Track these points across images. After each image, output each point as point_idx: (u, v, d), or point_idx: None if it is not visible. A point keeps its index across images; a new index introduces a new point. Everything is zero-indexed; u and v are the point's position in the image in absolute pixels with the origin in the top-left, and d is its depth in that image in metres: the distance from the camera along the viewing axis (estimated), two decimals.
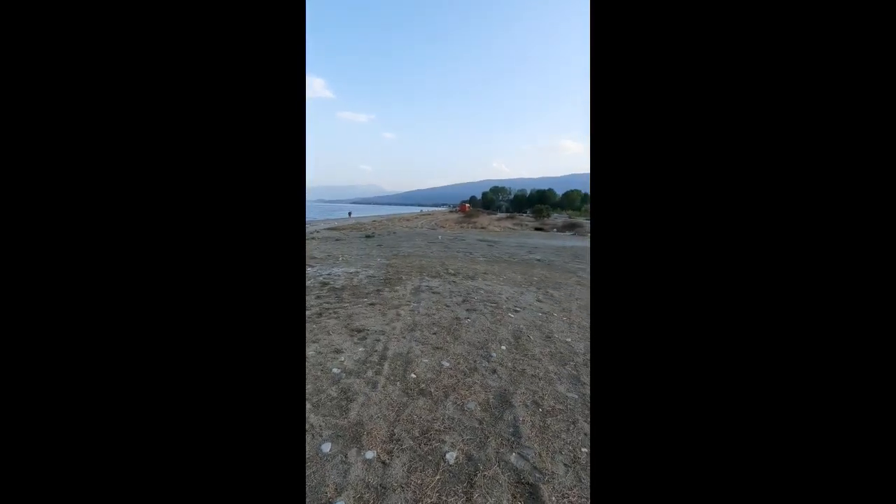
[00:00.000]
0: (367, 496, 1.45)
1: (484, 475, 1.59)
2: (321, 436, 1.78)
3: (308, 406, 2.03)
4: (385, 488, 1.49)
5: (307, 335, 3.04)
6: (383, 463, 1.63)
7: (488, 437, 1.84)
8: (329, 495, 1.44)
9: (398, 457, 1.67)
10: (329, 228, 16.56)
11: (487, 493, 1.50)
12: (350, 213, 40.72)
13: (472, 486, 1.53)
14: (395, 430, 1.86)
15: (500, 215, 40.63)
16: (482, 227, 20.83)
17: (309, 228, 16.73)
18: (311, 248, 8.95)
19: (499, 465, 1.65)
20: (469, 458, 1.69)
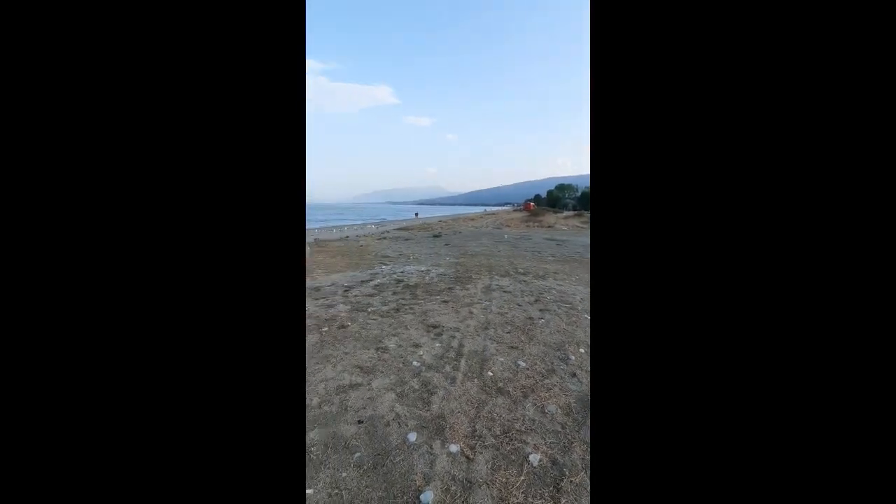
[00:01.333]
0: (453, 489, 1.48)
1: (571, 481, 1.53)
2: (407, 426, 1.87)
3: (393, 396, 2.14)
4: (471, 483, 1.51)
5: (388, 329, 3.21)
6: (467, 458, 1.65)
7: (573, 443, 1.77)
8: (418, 484, 1.50)
9: (481, 453, 1.68)
10: (398, 229, 17.32)
11: (575, 500, 1.43)
12: (417, 214, 42.15)
13: (558, 491, 1.48)
14: (477, 427, 1.87)
15: (566, 213, 38.84)
16: (549, 226, 20.10)
17: (381, 229, 17.68)
18: (383, 246, 9.44)
19: (586, 472, 1.57)
20: (553, 461, 1.64)
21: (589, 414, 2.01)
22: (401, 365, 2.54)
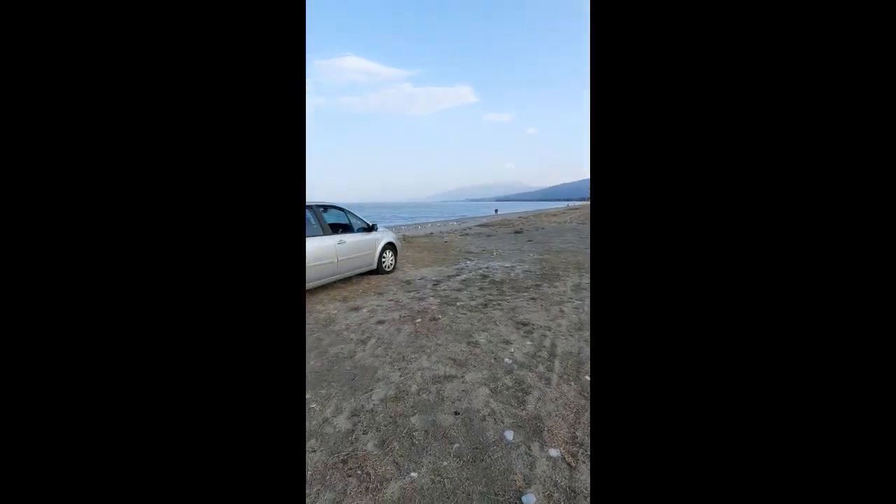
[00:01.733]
0: (556, 496, 1.40)
1: None
2: (503, 423, 1.84)
3: (486, 391, 2.13)
4: (575, 493, 1.42)
5: (477, 323, 3.22)
6: (569, 465, 1.56)
7: None
8: (518, 484, 1.46)
9: (584, 462, 1.57)
10: (479, 225, 17.38)
11: None
12: (496, 211, 41.85)
13: None
14: (577, 434, 1.76)
15: None
16: None
17: (462, 225, 17.94)
18: (466, 243, 9.55)
19: None
20: None
21: None
22: (492, 360, 2.52)
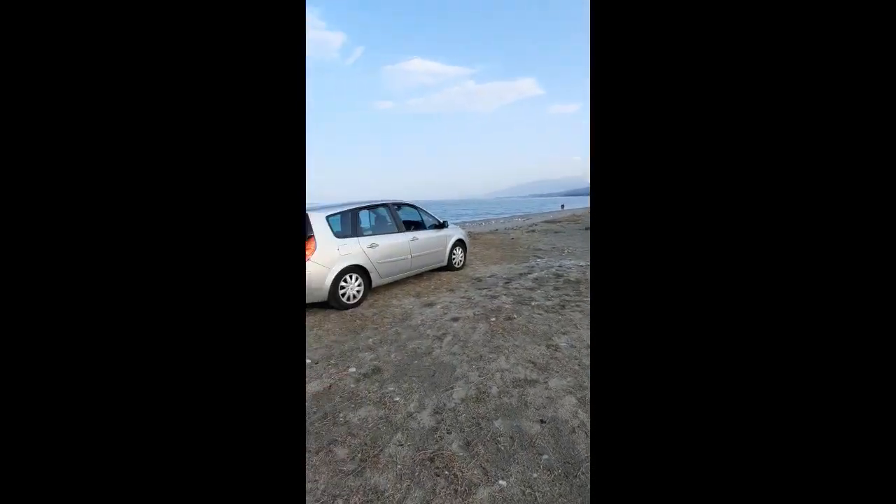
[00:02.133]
0: None
1: None
2: None
3: (573, 400, 1.99)
4: None
5: (556, 325, 3.06)
6: None
7: None
8: None
9: None
10: (546, 221, 16.74)
11: None
12: (563, 206, 40.04)
13: None
14: None
15: None
16: None
17: (527, 221, 17.45)
18: (534, 239, 9.23)
19: None
20: None
21: None
22: (576, 367, 2.36)
